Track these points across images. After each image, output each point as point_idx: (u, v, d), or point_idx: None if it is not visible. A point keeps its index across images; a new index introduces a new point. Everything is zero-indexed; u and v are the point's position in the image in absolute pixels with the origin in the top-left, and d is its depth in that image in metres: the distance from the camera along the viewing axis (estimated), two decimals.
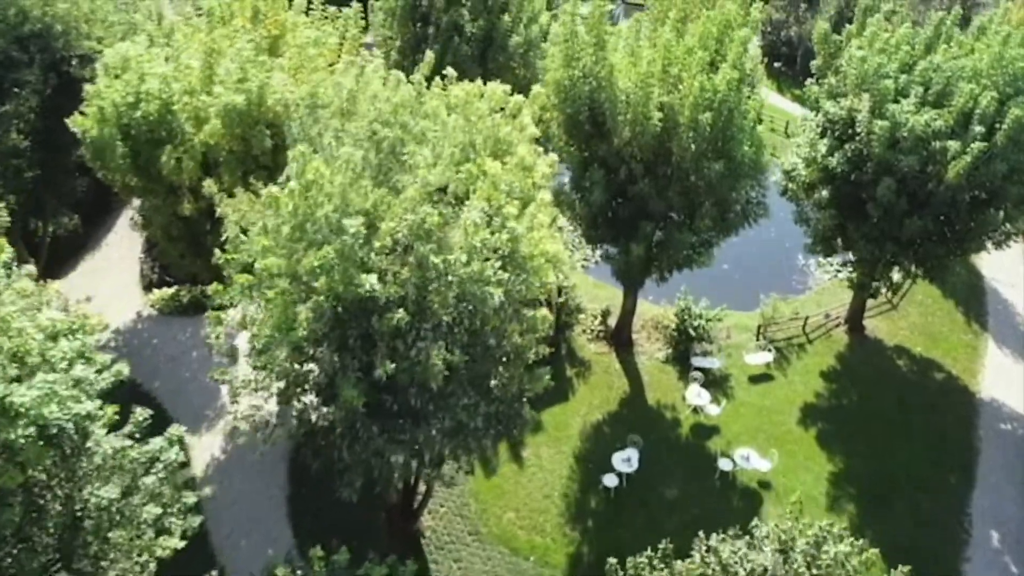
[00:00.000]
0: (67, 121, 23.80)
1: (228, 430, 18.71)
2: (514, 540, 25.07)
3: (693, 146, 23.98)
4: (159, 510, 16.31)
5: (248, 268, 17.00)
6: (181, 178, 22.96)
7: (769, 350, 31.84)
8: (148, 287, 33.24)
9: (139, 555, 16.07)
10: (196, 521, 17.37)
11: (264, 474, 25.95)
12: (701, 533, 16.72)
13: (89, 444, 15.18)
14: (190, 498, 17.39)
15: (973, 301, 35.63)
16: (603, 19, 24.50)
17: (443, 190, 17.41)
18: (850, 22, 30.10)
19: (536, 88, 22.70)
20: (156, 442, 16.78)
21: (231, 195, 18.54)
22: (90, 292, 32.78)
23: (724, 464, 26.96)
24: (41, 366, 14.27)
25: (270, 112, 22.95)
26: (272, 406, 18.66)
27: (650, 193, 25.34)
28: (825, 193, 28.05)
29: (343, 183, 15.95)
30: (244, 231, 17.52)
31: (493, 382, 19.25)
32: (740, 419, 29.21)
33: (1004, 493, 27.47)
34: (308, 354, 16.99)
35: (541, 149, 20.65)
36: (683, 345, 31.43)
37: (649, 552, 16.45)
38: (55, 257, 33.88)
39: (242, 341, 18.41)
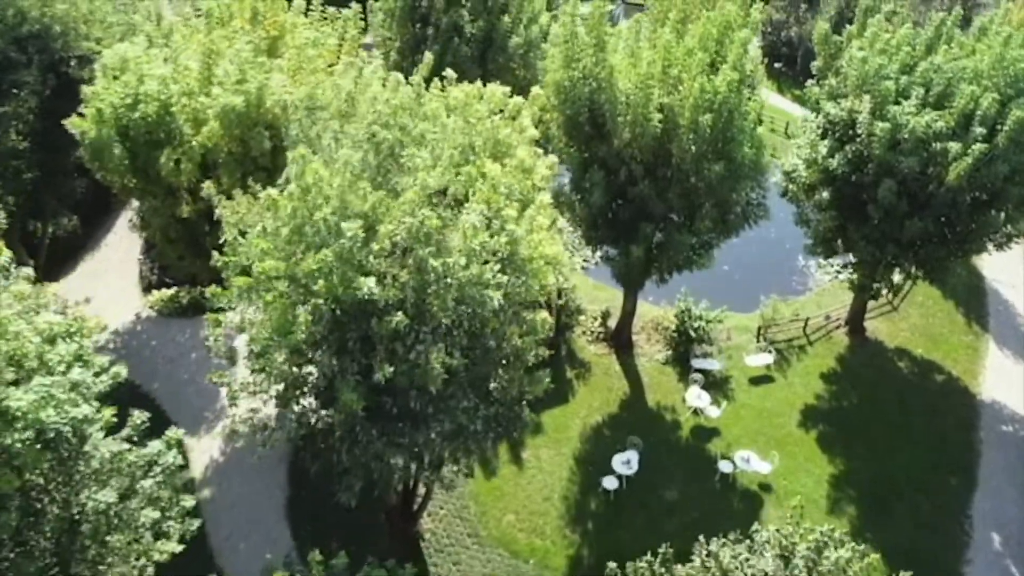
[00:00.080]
0: (65, 122, 23.70)
1: (226, 433, 18.54)
2: (514, 543, 25.01)
3: (693, 147, 23.91)
4: (157, 514, 16.26)
5: (247, 270, 16.93)
6: (180, 180, 22.91)
7: (769, 352, 31.77)
8: (147, 288, 33.20)
9: (137, 559, 16.02)
10: (194, 524, 17.32)
11: (263, 476, 25.89)
12: (701, 537, 16.66)
13: (87, 448, 15.14)
14: (188, 501, 17.33)
15: (974, 302, 35.54)
16: (603, 20, 24.43)
17: (443, 192, 17.34)
18: (850, 23, 30.02)
19: (535, 90, 22.62)
20: (154, 445, 16.72)
21: (229, 197, 18.46)
22: (89, 293, 32.79)
23: (724, 466, 26.89)
24: (38, 370, 14.22)
25: (269, 113, 22.88)
26: (271, 409, 18.58)
27: (650, 194, 25.27)
28: (826, 194, 27.97)
29: (342, 185, 15.87)
30: (243, 233, 17.44)
31: (493, 384, 19.19)
32: (740, 421, 29.14)
33: (1005, 495, 27.40)
34: (307, 357, 16.92)
35: (541, 151, 20.59)
36: (683, 347, 31.37)
37: (649, 557, 16.35)
38: (54, 258, 33.89)
39: (241, 343, 18.34)
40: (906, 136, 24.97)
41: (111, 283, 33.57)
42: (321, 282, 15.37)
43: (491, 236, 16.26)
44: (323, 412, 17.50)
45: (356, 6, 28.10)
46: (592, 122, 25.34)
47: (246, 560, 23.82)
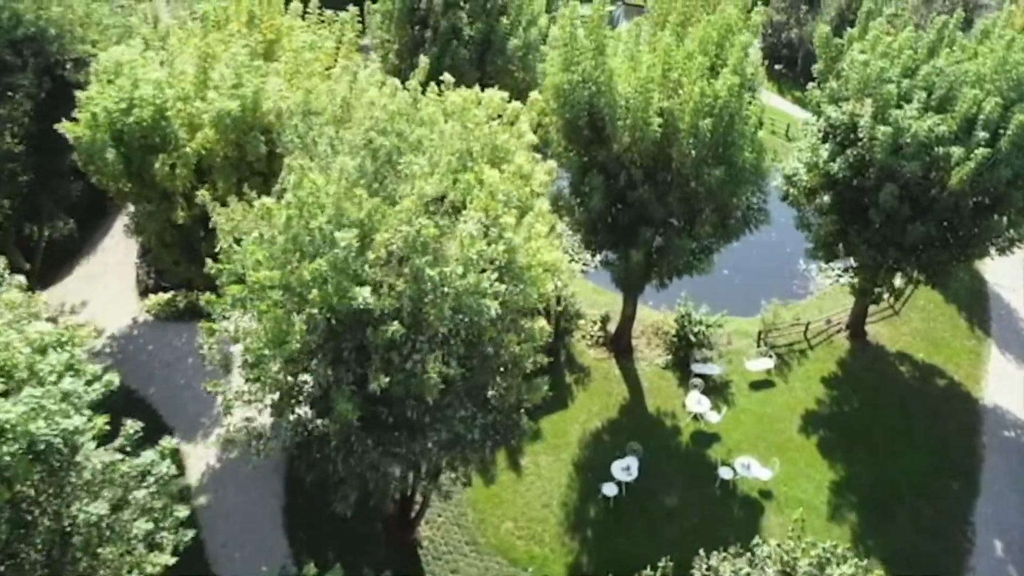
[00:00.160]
0: (58, 127, 23.48)
1: (221, 442, 18.32)
2: (512, 550, 24.80)
3: (693, 152, 23.70)
4: (150, 525, 16.02)
5: (241, 278, 16.72)
6: (175, 185, 22.67)
7: (770, 356, 31.57)
8: (144, 292, 33.01)
9: (129, 571, 15.78)
10: (188, 535, 17.08)
11: (260, 483, 25.68)
12: (702, 551, 16.45)
13: (78, 458, 14.90)
14: (182, 512, 17.08)
15: (976, 306, 35.35)
16: (602, 23, 24.22)
17: (440, 199, 17.12)
18: (851, 24, 29.83)
19: (534, 95, 22.40)
20: (147, 455, 16.50)
21: (224, 203, 18.24)
22: (85, 297, 32.68)
23: (724, 473, 26.69)
24: (29, 380, 14.01)
25: (265, 118, 22.65)
26: (266, 418, 18.36)
27: (650, 199, 25.06)
28: (827, 198, 27.77)
29: (337, 193, 15.65)
30: (237, 241, 17.23)
31: (491, 392, 18.97)
32: (741, 426, 28.94)
33: (1008, 501, 27.19)
34: (302, 366, 16.70)
35: (539, 156, 20.37)
36: (683, 351, 31.18)
37: (648, 571, 16.13)
38: (50, 261, 33.71)
39: (237, 350, 18.10)
40: (908, 140, 24.76)
41: (108, 287, 33.39)
42: (316, 291, 15.16)
43: (489, 244, 16.04)
44: (319, 421, 17.27)
45: (354, 8, 27.84)
46: (591, 126, 25.14)
47: (242, 569, 23.65)
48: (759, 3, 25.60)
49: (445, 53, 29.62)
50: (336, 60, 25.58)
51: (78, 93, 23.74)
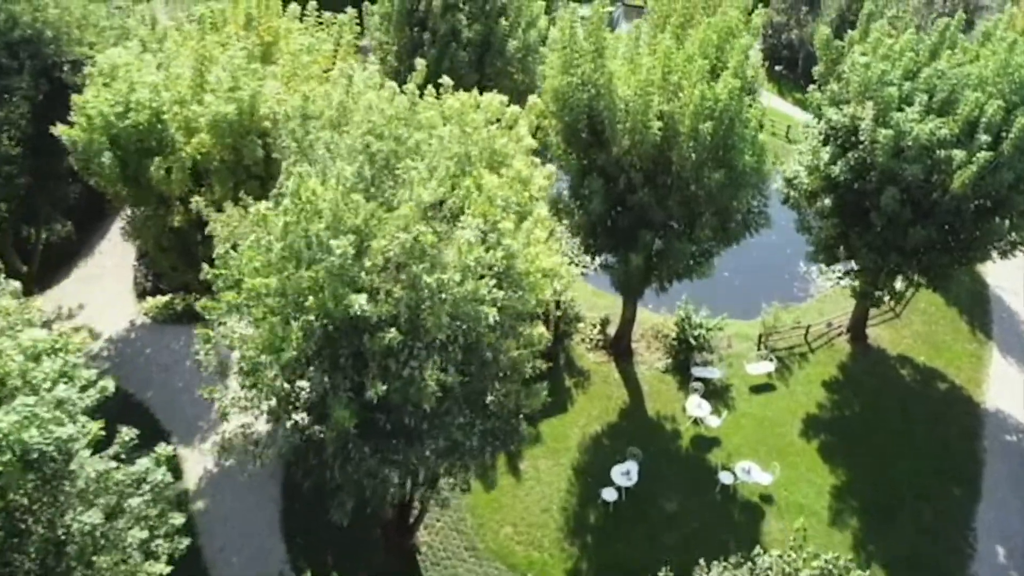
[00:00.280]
0: (54, 130, 23.33)
1: (217, 450, 18.18)
2: (511, 556, 24.65)
3: (693, 155, 23.56)
4: (145, 534, 15.86)
5: (238, 284, 16.58)
6: (171, 189, 22.51)
7: (770, 359, 31.43)
8: (142, 295, 32.89)
9: None
10: (184, 543, 16.92)
11: (258, 488, 25.53)
12: (702, 561, 16.28)
13: (72, 466, 14.76)
14: (178, 519, 16.93)
15: (977, 309, 35.18)
16: (602, 25, 24.07)
17: (439, 204, 16.98)
18: (851, 25, 29.65)
19: (533, 98, 22.26)
20: (142, 463, 16.31)
21: (219, 209, 18.09)
22: (83, 300, 32.67)
23: (725, 477, 26.54)
24: (22, 388, 13.87)
25: (262, 122, 22.50)
26: (263, 425, 18.22)
27: (650, 202, 24.91)
28: (828, 202, 27.60)
29: (334, 199, 15.50)
30: (234, 247, 17.08)
31: (489, 398, 18.84)
32: (741, 430, 28.79)
33: (1010, 507, 27.04)
34: (299, 372, 16.56)
35: (538, 160, 20.23)
36: (683, 354, 31.04)
37: None
38: (48, 264, 33.64)
39: (234, 355, 17.97)
40: (909, 143, 24.61)
41: (105, 289, 33.26)
42: (312, 298, 15.02)
43: (487, 250, 15.90)
44: (316, 428, 17.12)
45: (352, 10, 27.68)
46: (591, 129, 25.00)
47: (240, 573, 23.53)
48: (759, 5, 25.35)
49: (444, 55, 29.48)
50: (334, 62, 25.42)
51: (74, 96, 23.59)
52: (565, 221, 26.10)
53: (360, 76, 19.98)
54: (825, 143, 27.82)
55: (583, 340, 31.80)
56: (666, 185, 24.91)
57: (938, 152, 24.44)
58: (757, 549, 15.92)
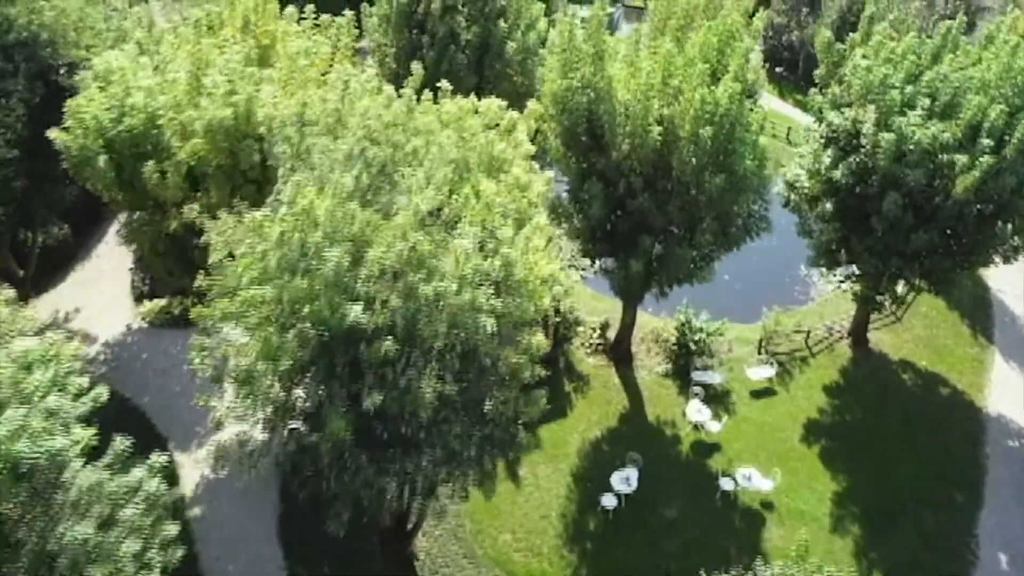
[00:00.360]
0: (49, 134, 23.13)
1: (212, 460, 17.99)
2: (510, 563, 24.47)
3: (694, 160, 23.37)
4: (139, 544, 15.64)
5: (233, 292, 16.38)
6: (166, 193, 22.31)
7: (771, 364, 31.24)
8: (139, 298, 32.69)
9: None
10: (178, 554, 16.69)
11: (255, 494, 25.31)
12: (703, 572, 16.09)
13: (65, 477, 14.58)
14: (171, 529, 16.69)
15: (979, 313, 34.99)
16: (601, 27, 23.88)
17: (436, 211, 16.78)
18: (852, 27, 29.48)
19: (531, 103, 22.07)
20: (136, 473, 16.12)
21: (214, 217, 17.88)
22: (80, 303, 32.51)
23: (725, 484, 26.34)
24: (13, 399, 13.68)
25: (258, 126, 22.30)
26: (258, 433, 18.02)
27: (650, 207, 24.72)
28: (829, 206, 27.44)
29: (331, 207, 15.30)
30: (231, 255, 16.89)
31: (487, 405, 18.60)
32: (742, 436, 28.61)
33: (1012, 513, 26.85)
34: (294, 381, 16.37)
35: (537, 165, 20.03)
36: (683, 359, 30.84)
37: None
38: (44, 267, 33.37)
39: (230, 362, 17.77)
40: (912, 148, 24.42)
41: (102, 293, 33.07)
42: (307, 308, 14.83)
43: (485, 258, 15.70)
44: (312, 437, 16.92)
45: (350, 12, 27.47)
46: (590, 133, 24.81)
47: None
48: (760, 7, 25.16)
49: (443, 57, 29.29)
50: (332, 65, 25.20)
51: (68, 101, 23.40)
52: (564, 225, 25.91)
53: (360, 79, 19.76)
54: (826, 146, 27.62)
55: (582, 344, 31.62)
56: (666, 190, 24.73)
57: (940, 156, 24.24)
58: (759, 559, 15.73)
